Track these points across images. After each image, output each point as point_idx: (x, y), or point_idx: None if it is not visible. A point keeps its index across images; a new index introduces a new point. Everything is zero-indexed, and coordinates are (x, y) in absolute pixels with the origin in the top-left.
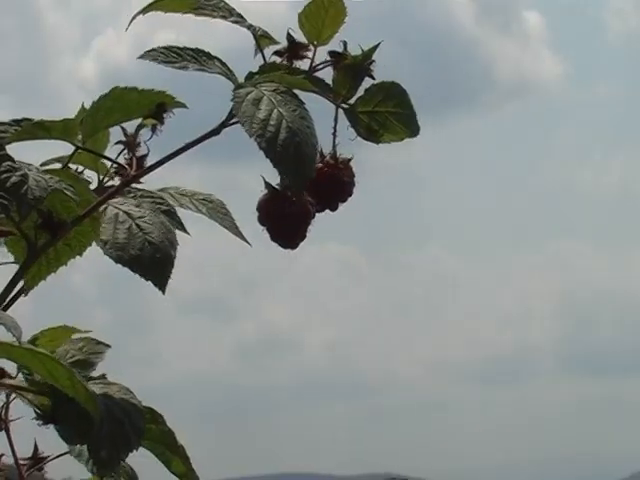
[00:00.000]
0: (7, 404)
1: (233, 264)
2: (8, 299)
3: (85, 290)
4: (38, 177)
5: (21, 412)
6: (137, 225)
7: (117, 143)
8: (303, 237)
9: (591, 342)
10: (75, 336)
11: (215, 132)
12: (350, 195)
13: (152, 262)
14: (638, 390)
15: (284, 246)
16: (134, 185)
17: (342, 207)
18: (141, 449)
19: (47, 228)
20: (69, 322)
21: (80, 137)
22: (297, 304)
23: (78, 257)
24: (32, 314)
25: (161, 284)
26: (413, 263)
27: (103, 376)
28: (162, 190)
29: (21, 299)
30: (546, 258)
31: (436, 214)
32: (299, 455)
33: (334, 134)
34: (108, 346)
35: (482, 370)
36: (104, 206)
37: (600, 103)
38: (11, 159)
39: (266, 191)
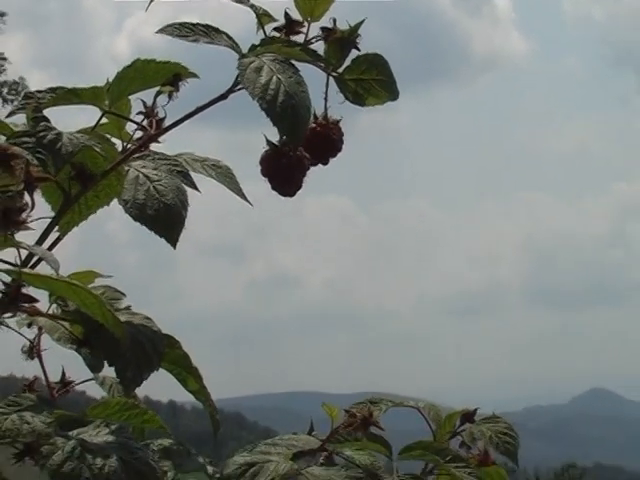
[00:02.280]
0: (39, 336)
1: (248, 214)
2: (50, 242)
3: (118, 235)
4: (71, 135)
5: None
6: (154, 188)
7: (138, 114)
8: (299, 186)
9: (552, 279)
10: (98, 280)
11: (223, 97)
12: (339, 151)
13: (166, 221)
14: (592, 320)
15: (283, 194)
16: (154, 150)
17: (340, 165)
18: (161, 370)
19: (79, 180)
20: (106, 262)
21: (107, 103)
22: (302, 247)
23: (111, 207)
24: (76, 255)
25: (173, 240)
26: (400, 212)
27: (128, 307)
28: (177, 156)
29: (65, 242)
30: (513, 207)
31: (420, 171)
32: (304, 377)
33: (325, 98)
34: (124, 294)
35: (457, 304)
36: (127, 167)
37: (561, 75)
38: (47, 120)
39: (267, 147)
